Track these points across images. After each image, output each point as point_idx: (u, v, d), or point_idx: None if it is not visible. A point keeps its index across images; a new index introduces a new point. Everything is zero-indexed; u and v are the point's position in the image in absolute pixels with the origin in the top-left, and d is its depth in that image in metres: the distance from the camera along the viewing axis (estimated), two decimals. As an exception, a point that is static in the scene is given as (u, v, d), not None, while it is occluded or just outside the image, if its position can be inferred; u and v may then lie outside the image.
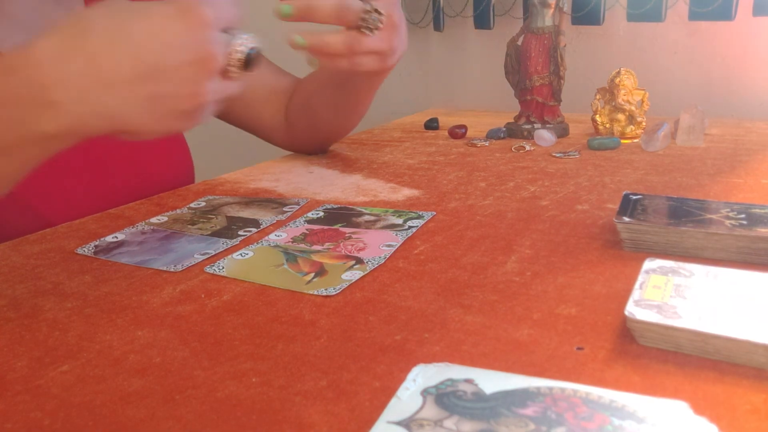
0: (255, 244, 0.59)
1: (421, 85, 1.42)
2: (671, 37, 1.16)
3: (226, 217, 0.67)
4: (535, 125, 0.98)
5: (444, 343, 0.41)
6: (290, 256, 0.56)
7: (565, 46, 0.97)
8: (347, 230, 0.61)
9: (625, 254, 0.53)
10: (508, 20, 1.26)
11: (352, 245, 0.57)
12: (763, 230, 0.49)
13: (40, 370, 0.40)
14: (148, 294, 0.50)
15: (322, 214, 0.66)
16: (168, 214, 0.69)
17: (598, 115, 0.96)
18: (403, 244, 0.57)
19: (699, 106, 0.89)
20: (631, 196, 0.59)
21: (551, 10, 0.96)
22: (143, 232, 0.63)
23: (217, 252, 0.58)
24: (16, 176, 0.52)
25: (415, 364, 0.37)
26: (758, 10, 1.05)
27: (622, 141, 0.92)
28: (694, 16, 1.09)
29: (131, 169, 0.79)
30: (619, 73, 0.95)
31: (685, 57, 1.16)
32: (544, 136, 0.93)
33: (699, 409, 0.32)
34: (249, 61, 0.50)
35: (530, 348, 0.40)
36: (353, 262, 0.54)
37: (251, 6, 0.91)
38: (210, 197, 0.74)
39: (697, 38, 1.14)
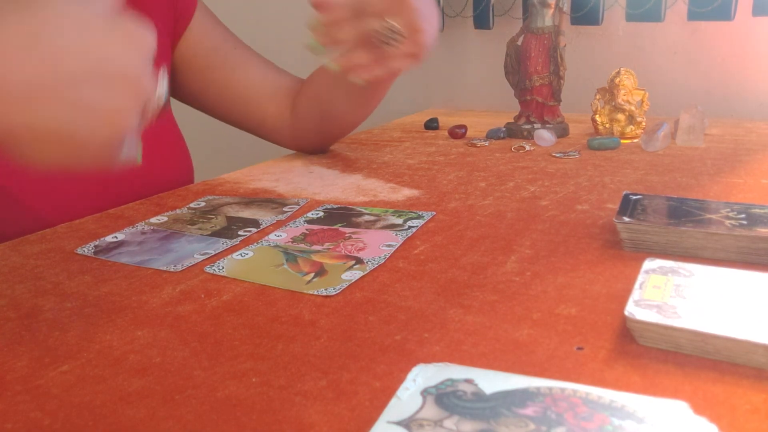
0: (255, 244, 0.59)
1: (421, 85, 1.42)
2: (671, 37, 1.16)
3: (226, 217, 0.67)
4: (535, 125, 0.98)
5: (444, 343, 0.41)
6: (290, 256, 0.56)
7: (564, 46, 0.97)
8: (347, 230, 0.61)
9: (625, 254, 0.53)
10: (507, 20, 1.26)
11: (352, 245, 0.57)
12: (763, 230, 0.49)
13: (40, 370, 0.40)
14: (148, 294, 0.50)
15: (322, 214, 0.66)
16: (168, 214, 0.69)
17: (598, 115, 0.96)
18: (403, 244, 0.58)
19: (699, 106, 0.90)
20: (631, 196, 0.59)
21: (551, 10, 0.96)
22: (143, 232, 0.63)
23: (217, 252, 0.58)
24: None
25: (415, 364, 0.37)
26: (758, 10, 1.05)
27: (622, 141, 0.92)
28: (693, 16, 1.09)
29: (131, 169, 0.79)
30: (618, 73, 0.95)
31: (685, 57, 1.16)
32: (544, 136, 0.93)
33: (699, 409, 0.32)
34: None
35: (530, 348, 0.40)
36: (353, 262, 0.54)
37: (254, 7, 0.91)
38: (210, 197, 0.74)
39: (697, 38, 1.14)
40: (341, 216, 0.66)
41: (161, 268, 0.55)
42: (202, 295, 0.49)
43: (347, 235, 0.60)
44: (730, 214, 0.53)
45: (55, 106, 0.38)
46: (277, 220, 0.65)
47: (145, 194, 0.78)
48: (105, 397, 0.37)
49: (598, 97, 0.96)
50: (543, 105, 0.99)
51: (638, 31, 1.18)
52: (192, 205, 0.72)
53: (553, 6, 0.95)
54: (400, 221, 0.63)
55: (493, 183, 0.75)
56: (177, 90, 0.92)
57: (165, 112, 0.87)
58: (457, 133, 1.02)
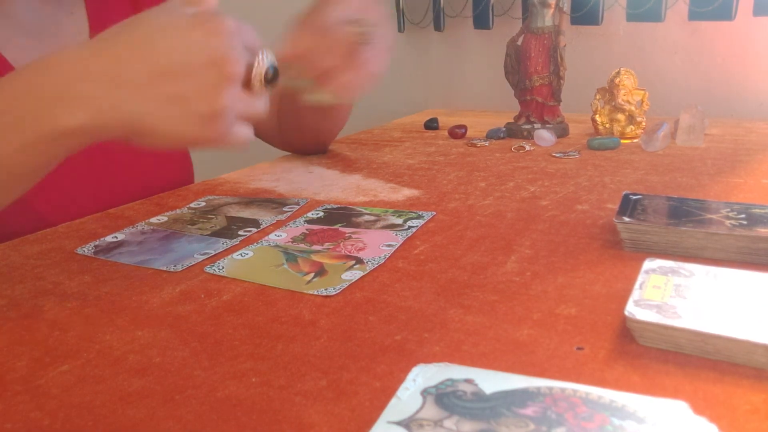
0: (255, 244, 0.59)
1: (421, 85, 1.42)
2: (671, 37, 1.16)
3: (226, 217, 0.67)
4: (535, 125, 0.98)
5: (444, 343, 0.41)
6: (290, 256, 0.56)
7: (564, 46, 0.97)
8: (347, 230, 0.61)
9: (625, 254, 0.53)
10: (507, 20, 1.26)
11: (352, 245, 0.57)
12: (763, 230, 0.49)
13: (40, 370, 0.40)
14: (147, 294, 0.50)
15: (322, 214, 0.66)
16: (168, 214, 0.69)
17: (598, 115, 0.96)
18: (403, 244, 0.57)
19: (699, 106, 0.89)
20: (631, 196, 0.59)
21: (551, 10, 0.96)
22: (143, 232, 0.63)
23: (217, 252, 0.58)
24: (31, 177, 0.53)
25: (415, 364, 0.37)
26: (758, 10, 1.05)
27: (622, 141, 0.92)
28: (694, 16, 1.09)
29: (131, 169, 0.79)
30: (618, 73, 0.95)
31: (685, 57, 1.16)
32: (544, 136, 0.93)
33: (699, 409, 0.32)
34: (271, 76, 0.50)
35: (530, 348, 0.40)
36: (353, 262, 0.54)
37: (243, 9, 0.91)
38: (210, 197, 0.74)
39: (697, 38, 1.14)
40: (341, 216, 0.66)
41: (161, 268, 0.55)
42: (202, 295, 0.49)
43: (347, 235, 0.60)
44: (730, 214, 0.53)
45: (153, 98, 0.47)
46: (277, 220, 0.65)
47: (145, 194, 0.78)
48: (105, 397, 0.37)
49: (598, 97, 0.96)
50: (543, 105, 0.99)
51: (638, 31, 1.18)
52: (192, 205, 0.72)
53: (553, 6, 0.95)
54: (400, 221, 0.63)
55: (493, 183, 0.75)
56: None
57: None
58: (457, 133, 1.02)
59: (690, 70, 1.16)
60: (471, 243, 0.57)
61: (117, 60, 0.47)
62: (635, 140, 0.92)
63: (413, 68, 1.42)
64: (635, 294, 0.41)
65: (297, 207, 0.69)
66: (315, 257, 0.55)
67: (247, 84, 0.50)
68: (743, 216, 0.53)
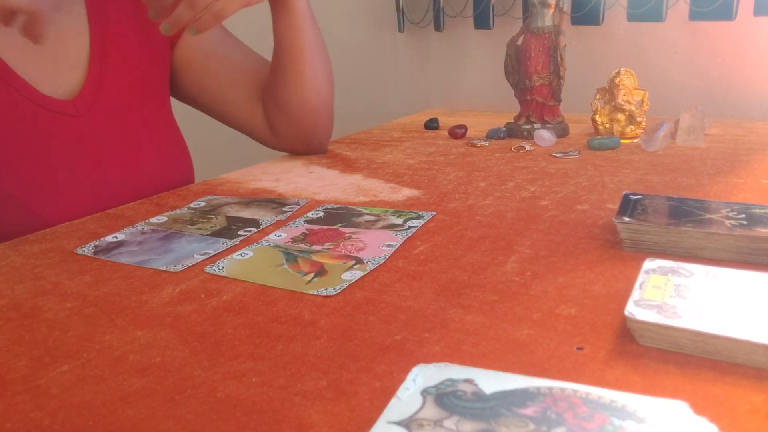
0: (255, 244, 0.59)
1: (421, 85, 1.42)
2: (671, 37, 1.16)
3: (226, 217, 0.67)
4: (535, 125, 0.98)
5: (444, 343, 0.41)
6: (290, 256, 0.56)
7: (565, 46, 0.97)
8: (347, 230, 0.61)
9: (625, 254, 0.53)
10: (507, 20, 1.26)
11: (352, 245, 0.57)
12: (763, 230, 0.49)
13: (40, 370, 0.40)
14: (147, 294, 0.50)
15: (322, 214, 0.66)
16: (168, 214, 0.69)
17: (598, 115, 0.96)
18: (403, 244, 0.57)
19: (699, 106, 0.89)
20: (631, 196, 0.59)
21: (551, 10, 0.96)
22: (143, 232, 0.63)
23: (217, 252, 0.58)
24: None
25: (415, 364, 0.37)
26: (759, 10, 1.05)
27: (622, 141, 0.92)
28: (694, 16, 1.09)
29: (131, 169, 0.79)
30: (619, 73, 0.95)
31: (686, 57, 1.16)
32: (544, 136, 0.93)
33: (699, 409, 0.32)
34: None
35: (530, 348, 0.40)
36: (353, 262, 0.54)
37: (255, 7, 0.91)
38: (210, 197, 0.74)
39: (698, 38, 1.14)
40: (341, 216, 0.66)
41: (161, 268, 0.55)
42: (202, 295, 0.49)
43: (347, 235, 0.60)
44: (730, 214, 0.53)
45: None
46: (277, 220, 0.65)
47: (145, 194, 0.78)
48: (105, 397, 0.37)
49: (598, 97, 0.96)
50: (543, 105, 0.99)
51: (639, 31, 1.18)
52: (192, 205, 0.72)
53: (553, 6, 0.95)
54: (400, 221, 0.63)
55: (493, 183, 0.75)
56: (176, 90, 0.92)
57: (165, 112, 0.87)
58: (457, 133, 1.02)
59: (690, 70, 1.16)
60: (471, 243, 0.57)
61: None
62: (635, 140, 0.92)
63: (413, 68, 1.42)
64: (635, 294, 0.41)
65: (297, 207, 0.69)
66: (315, 257, 0.55)
67: None
68: (743, 216, 0.53)
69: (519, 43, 0.99)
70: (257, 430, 0.34)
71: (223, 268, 0.54)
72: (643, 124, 0.94)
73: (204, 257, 0.56)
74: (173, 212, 0.69)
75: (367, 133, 1.09)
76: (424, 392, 0.34)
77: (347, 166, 0.87)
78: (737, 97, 1.13)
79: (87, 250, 0.60)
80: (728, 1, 1.05)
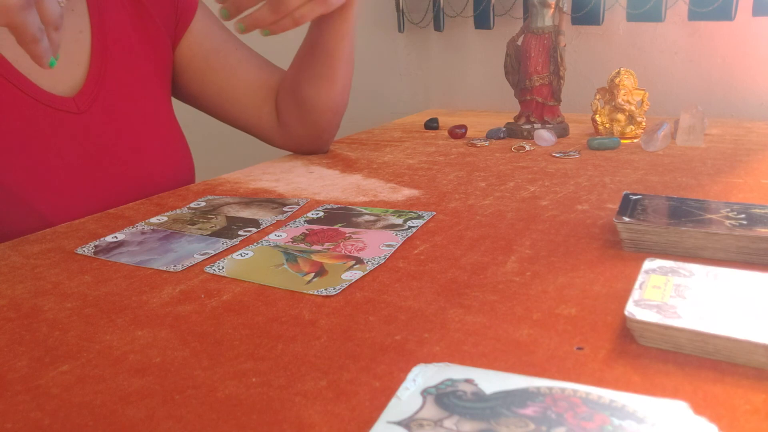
0: (255, 244, 0.59)
1: (421, 85, 1.42)
2: (671, 37, 1.16)
3: (226, 217, 0.67)
4: (535, 125, 0.98)
5: (444, 343, 0.41)
6: (290, 256, 0.56)
7: (564, 46, 0.97)
8: (347, 230, 0.61)
9: (625, 254, 0.53)
10: (508, 20, 1.26)
11: (352, 245, 0.57)
12: (763, 230, 0.49)
13: (40, 370, 0.40)
14: (148, 294, 0.50)
15: (322, 214, 0.66)
16: (168, 214, 0.69)
17: (598, 115, 0.96)
18: (403, 244, 0.58)
19: (699, 106, 0.90)
20: (631, 196, 0.59)
21: (551, 10, 0.96)
22: (143, 232, 0.63)
23: (217, 252, 0.58)
24: None
25: (415, 364, 0.37)
26: (758, 10, 1.05)
27: (622, 141, 0.92)
28: (693, 16, 1.09)
29: (132, 167, 0.79)
30: (619, 73, 0.95)
31: (685, 57, 1.16)
32: (544, 136, 0.93)
33: (699, 409, 0.32)
34: None
35: (530, 348, 0.40)
36: (353, 262, 0.54)
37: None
38: (210, 197, 0.74)
39: (697, 38, 1.14)
40: (341, 216, 0.66)
41: (161, 268, 0.55)
42: (202, 295, 0.49)
43: (347, 235, 0.60)
44: (730, 214, 0.53)
45: None
46: (277, 220, 0.65)
47: (145, 194, 0.78)
48: (105, 397, 0.37)
49: (598, 97, 0.96)
50: (543, 105, 0.99)
51: (638, 31, 1.18)
52: (192, 205, 0.72)
53: (553, 6, 0.95)
54: (400, 221, 0.63)
55: (493, 183, 0.75)
56: (177, 90, 0.92)
57: (166, 110, 0.87)
58: (457, 133, 1.02)
59: (690, 70, 1.16)
60: (471, 243, 0.57)
61: None
62: (635, 140, 0.92)
63: (413, 68, 1.42)
64: (635, 294, 0.41)
65: (297, 207, 0.69)
66: (315, 257, 0.55)
67: None
68: (743, 216, 0.53)
69: (519, 43, 0.99)
70: (257, 430, 0.34)
71: (223, 268, 0.54)
72: (643, 124, 0.94)
73: (204, 257, 0.56)
74: (173, 212, 0.69)
75: (367, 133, 1.09)
76: (424, 392, 0.34)
77: (347, 166, 0.87)
78: (737, 97, 1.13)
79: (87, 250, 0.60)
80: (727, 1, 1.05)
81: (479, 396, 0.33)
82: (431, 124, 1.10)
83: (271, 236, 0.61)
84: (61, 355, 0.42)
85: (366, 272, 0.52)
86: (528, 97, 0.99)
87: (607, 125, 0.95)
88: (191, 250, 0.58)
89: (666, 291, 0.42)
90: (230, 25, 0.79)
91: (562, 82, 0.98)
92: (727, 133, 0.96)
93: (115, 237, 0.62)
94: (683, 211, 0.55)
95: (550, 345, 0.40)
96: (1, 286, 0.53)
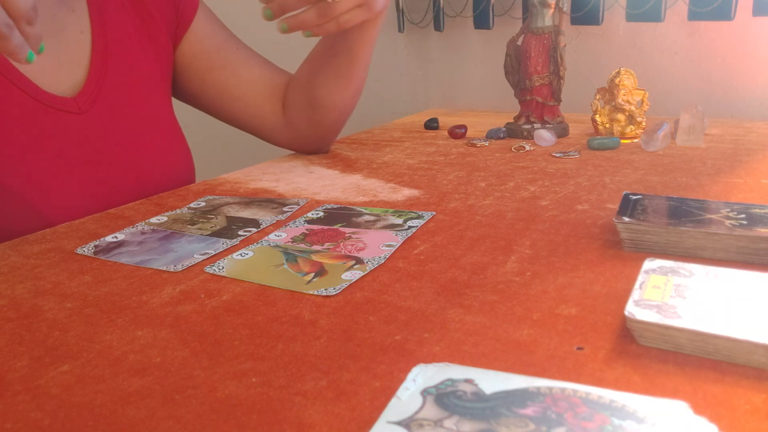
0: (255, 244, 0.59)
1: (421, 85, 1.42)
2: (671, 37, 1.16)
3: (226, 217, 0.67)
4: (535, 125, 0.98)
5: (444, 343, 0.41)
6: (290, 256, 0.56)
7: (564, 46, 0.97)
8: (347, 230, 0.61)
9: (625, 254, 0.53)
10: (507, 20, 1.26)
11: (352, 245, 0.57)
12: (763, 230, 0.49)
13: (40, 370, 0.40)
14: (148, 294, 0.50)
15: (322, 214, 0.66)
16: (168, 214, 0.69)
17: (598, 115, 0.96)
18: (403, 244, 0.57)
19: (699, 106, 0.90)
20: (631, 196, 0.59)
21: (551, 10, 0.96)
22: (143, 232, 0.63)
23: (217, 252, 0.58)
24: None
25: (415, 364, 0.37)
26: (758, 10, 1.05)
27: (622, 141, 0.92)
28: (693, 16, 1.09)
29: (133, 167, 0.79)
30: (618, 73, 0.95)
31: (685, 57, 1.16)
32: (544, 136, 0.93)
33: (699, 409, 0.32)
34: None
35: (530, 348, 0.40)
36: (353, 262, 0.54)
37: (243, 8, 0.91)
38: (210, 197, 0.74)
39: (697, 38, 1.14)
40: (341, 216, 0.66)
41: (161, 268, 0.55)
42: (202, 295, 0.49)
43: (347, 235, 0.60)
44: (730, 214, 0.53)
45: None
46: (277, 220, 0.65)
47: (145, 194, 0.78)
48: (105, 397, 0.37)
49: (598, 97, 0.96)
50: (543, 105, 0.99)
51: (638, 31, 1.18)
52: (192, 205, 0.72)
53: (553, 6, 0.95)
54: (400, 221, 0.63)
55: (493, 183, 0.75)
56: (178, 90, 0.92)
57: (167, 110, 0.87)
58: (457, 133, 1.02)
59: (690, 70, 1.16)
60: (471, 243, 0.57)
61: None
62: (635, 140, 0.92)
63: (413, 68, 1.42)
64: (635, 294, 0.41)
65: (297, 207, 0.69)
66: (315, 257, 0.55)
67: None
68: (743, 216, 0.53)
69: (519, 43, 0.99)
70: (257, 430, 0.34)
71: (223, 268, 0.54)
72: (643, 124, 0.94)
73: (204, 257, 0.56)
74: (173, 212, 0.69)
75: (367, 133, 1.09)
76: (424, 392, 0.34)
77: (347, 166, 0.87)
78: (737, 97, 1.13)
79: (87, 250, 0.60)
80: (727, 1, 1.05)
81: (479, 396, 0.33)
82: (431, 124, 1.10)
83: (271, 236, 0.61)
84: (61, 355, 0.42)
85: (366, 272, 0.52)
86: (528, 97, 0.99)
87: (607, 125, 0.95)
88: (191, 250, 0.58)
89: (666, 291, 0.42)
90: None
91: (562, 82, 0.97)
92: (727, 133, 0.96)
93: (115, 237, 0.62)
94: (683, 211, 0.55)
95: (550, 345, 0.40)
96: (1, 286, 0.53)
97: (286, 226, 0.64)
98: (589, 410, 0.32)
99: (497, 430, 0.30)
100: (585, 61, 1.23)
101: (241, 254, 0.57)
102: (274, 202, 0.72)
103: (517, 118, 1.01)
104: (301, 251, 0.57)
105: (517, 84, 1.00)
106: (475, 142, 0.96)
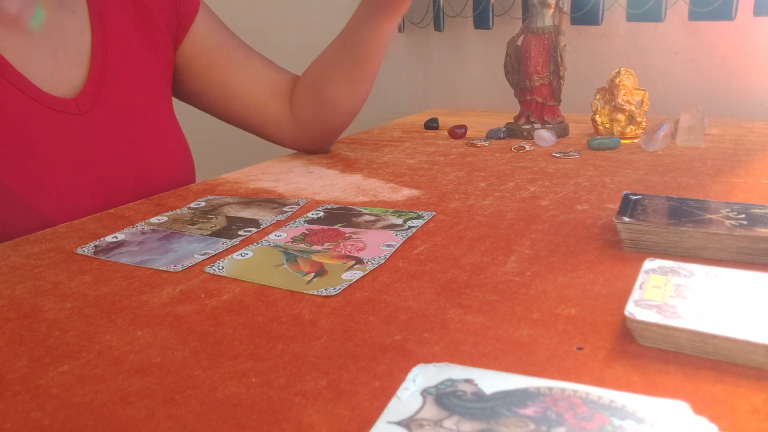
0: (255, 244, 0.59)
1: (421, 85, 1.42)
2: (671, 37, 1.16)
3: (226, 217, 0.67)
4: (535, 125, 0.98)
5: (444, 343, 0.41)
6: (290, 256, 0.56)
7: (564, 46, 0.97)
8: (347, 230, 0.61)
9: (625, 254, 0.53)
10: (507, 20, 1.26)
11: (352, 245, 0.57)
12: (763, 230, 0.49)
13: (40, 370, 0.40)
14: (148, 294, 0.50)
15: (322, 214, 0.66)
16: (168, 214, 0.69)
17: (598, 115, 0.96)
18: (403, 244, 0.57)
19: (699, 106, 0.90)
20: (631, 196, 0.59)
21: (551, 10, 0.96)
22: (143, 232, 0.63)
23: (217, 252, 0.58)
24: None
25: (415, 364, 0.37)
26: (759, 10, 1.05)
27: (622, 141, 0.92)
28: (694, 16, 1.09)
29: (133, 167, 0.79)
30: (619, 73, 0.95)
31: (685, 57, 1.16)
32: (544, 136, 0.93)
33: (699, 409, 0.32)
34: None
35: (530, 348, 0.40)
36: (353, 262, 0.54)
37: (251, 8, 0.91)
38: (210, 197, 0.74)
39: (697, 38, 1.14)
40: (341, 216, 0.66)
41: (161, 268, 0.55)
42: (202, 295, 0.49)
43: (347, 235, 0.60)
44: (730, 214, 0.53)
45: None
46: (277, 220, 0.65)
47: (145, 194, 0.78)
48: (105, 397, 0.37)
49: (598, 97, 0.96)
50: (543, 105, 0.99)
51: (638, 31, 1.18)
52: (192, 205, 0.72)
53: (553, 6, 0.95)
54: (400, 221, 0.63)
55: (493, 183, 0.75)
56: (179, 90, 0.92)
57: (167, 110, 0.87)
58: (457, 133, 1.02)
59: (690, 70, 1.16)
60: (471, 243, 0.57)
61: None
62: (635, 140, 0.92)
63: (413, 68, 1.42)
64: (635, 294, 0.41)
65: (297, 207, 0.69)
66: (315, 257, 0.55)
67: None
68: (743, 216, 0.53)
69: (519, 43, 0.99)
70: (257, 430, 0.34)
71: (223, 268, 0.54)
72: (643, 124, 0.94)
73: (204, 257, 0.56)
74: (173, 212, 0.69)
75: (367, 133, 1.09)
76: (424, 392, 0.34)
77: (347, 166, 0.87)
78: (737, 97, 1.13)
79: (87, 250, 0.60)
80: (728, 1, 1.05)
81: (479, 396, 0.33)
82: (431, 124, 1.10)
83: (271, 236, 0.61)
84: (61, 355, 0.42)
85: (366, 272, 0.52)
86: (528, 97, 0.99)
87: (607, 125, 0.95)
88: (191, 250, 0.58)
89: (666, 291, 0.42)
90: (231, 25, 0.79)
91: (562, 82, 0.98)
92: (727, 133, 0.96)
93: (115, 237, 0.62)
94: (683, 211, 0.55)
95: (550, 345, 0.40)
96: (1, 286, 0.53)
97: (286, 226, 0.64)
98: (589, 410, 0.32)
99: (497, 430, 0.30)
100: (585, 61, 1.23)
101: (241, 254, 0.57)
102: (274, 202, 0.72)
103: (517, 118, 1.01)
104: (301, 251, 0.57)
105: (517, 84, 1.00)
106: (475, 142, 0.96)
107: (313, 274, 0.52)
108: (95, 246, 0.60)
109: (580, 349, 0.39)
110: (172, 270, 0.54)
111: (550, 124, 0.98)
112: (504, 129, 1.00)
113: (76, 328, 0.45)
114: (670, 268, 0.45)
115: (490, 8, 1.26)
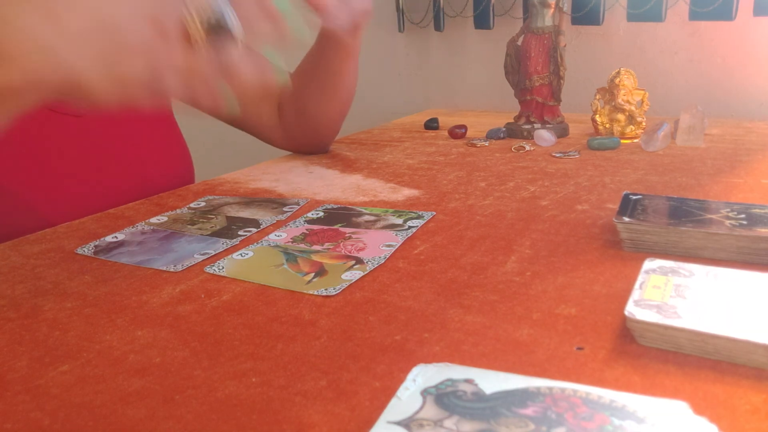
0: (255, 244, 0.59)
1: (421, 85, 1.42)
2: (671, 37, 1.16)
3: (226, 217, 0.67)
4: (535, 125, 0.98)
5: (444, 343, 0.41)
6: (290, 256, 0.56)
7: (564, 46, 0.97)
8: (347, 230, 0.61)
9: (625, 254, 0.53)
10: (508, 20, 1.26)
11: (352, 245, 0.57)
12: (763, 230, 0.49)
13: (40, 370, 0.40)
14: (148, 294, 0.50)
15: (322, 214, 0.66)
16: (168, 214, 0.69)
17: (598, 115, 0.96)
18: (403, 244, 0.57)
19: (699, 106, 0.90)
20: (631, 196, 0.59)
21: (551, 10, 0.96)
22: (143, 232, 0.63)
23: (217, 252, 0.58)
24: None
25: (415, 364, 0.37)
26: (759, 10, 1.05)
27: (622, 141, 0.92)
28: (694, 16, 1.09)
29: (131, 169, 0.79)
30: (619, 73, 0.95)
31: (685, 57, 1.16)
32: (544, 136, 0.93)
33: (699, 409, 0.32)
34: (212, 26, 0.45)
35: (530, 348, 0.40)
36: (353, 262, 0.54)
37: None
38: (210, 197, 0.74)
39: (697, 38, 1.14)
40: (341, 216, 0.66)
41: (161, 268, 0.55)
42: (202, 295, 0.49)
43: (347, 235, 0.60)
44: (730, 214, 0.53)
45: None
46: (277, 220, 0.65)
47: (145, 194, 0.78)
48: (105, 397, 0.37)
49: (598, 97, 0.96)
50: (543, 105, 0.99)
51: (639, 31, 1.18)
52: (192, 205, 0.72)
53: (553, 6, 0.95)
54: (400, 221, 0.63)
55: (493, 183, 0.75)
56: None
57: (166, 111, 0.87)
58: (457, 133, 1.02)
59: (690, 70, 1.16)
60: (471, 243, 0.57)
61: (51, 12, 0.42)
62: (635, 140, 0.92)
63: (413, 68, 1.42)
64: (635, 294, 0.41)
65: (297, 207, 0.69)
66: (315, 257, 0.55)
67: (187, 37, 0.45)
68: (743, 216, 0.53)
69: (519, 43, 0.99)
70: (257, 430, 0.34)
71: (223, 268, 0.54)
72: (643, 124, 0.94)
73: (204, 257, 0.56)
74: (173, 212, 0.69)
75: (367, 133, 1.09)
76: (424, 392, 0.34)
77: (347, 166, 0.87)
78: (737, 97, 1.13)
79: (87, 250, 0.60)
80: (728, 1, 1.05)
81: (479, 396, 0.33)
82: (431, 124, 1.10)
83: (271, 236, 0.61)
84: (61, 355, 0.42)
85: (366, 272, 0.52)
86: (528, 97, 0.99)
87: (607, 125, 0.95)
88: (191, 250, 0.58)
89: (666, 291, 0.42)
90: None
91: (562, 82, 0.97)
92: (727, 133, 0.96)
93: (115, 237, 0.62)
94: (683, 211, 0.55)
95: (550, 345, 0.40)
96: (1, 286, 0.53)
97: (286, 226, 0.64)
98: (589, 410, 0.32)
99: (497, 430, 0.30)
100: (585, 61, 1.23)
101: (241, 254, 0.57)
102: (274, 202, 0.72)
103: (517, 118, 1.01)
104: (301, 251, 0.57)
105: (517, 84, 1.00)
106: (475, 142, 0.96)
107: (313, 274, 0.52)
108: (95, 246, 0.60)
109: (580, 349, 0.39)
110: (172, 270, 0.54)
111: (550, 124, 0.98)
112: (504, 129, 1.00)
113: (76, 328, 0.45)
114: (670, 268, 0.45)
115: (491, 8, 1.26)
